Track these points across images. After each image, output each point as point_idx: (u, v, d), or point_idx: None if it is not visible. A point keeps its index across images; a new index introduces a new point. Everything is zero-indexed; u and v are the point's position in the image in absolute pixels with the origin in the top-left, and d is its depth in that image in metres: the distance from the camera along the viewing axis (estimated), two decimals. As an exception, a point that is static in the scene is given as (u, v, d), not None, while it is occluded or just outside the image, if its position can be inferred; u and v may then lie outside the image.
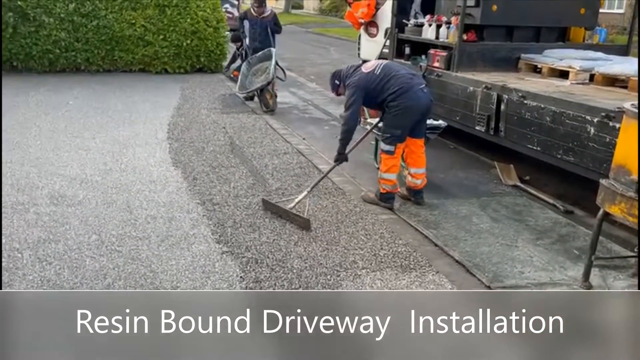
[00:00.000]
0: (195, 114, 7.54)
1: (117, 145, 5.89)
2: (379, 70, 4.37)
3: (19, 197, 4.34)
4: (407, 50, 6.91)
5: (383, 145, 4.48)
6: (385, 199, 4.51)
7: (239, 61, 9.60)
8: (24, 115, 7.06)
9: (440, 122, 5.21)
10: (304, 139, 6.63)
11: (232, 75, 9.86)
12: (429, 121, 5.10)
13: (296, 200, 4.28)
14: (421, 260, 3.63)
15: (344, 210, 4.37)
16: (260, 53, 8.09)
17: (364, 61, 5.68)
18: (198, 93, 9.06)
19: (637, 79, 4.87)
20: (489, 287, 3.35)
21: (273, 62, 7.73)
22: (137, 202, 4.37)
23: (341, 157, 4.51)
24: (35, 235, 3.71)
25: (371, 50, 7.75)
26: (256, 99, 8.27)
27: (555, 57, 5.89)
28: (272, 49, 8.00)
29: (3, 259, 3.36)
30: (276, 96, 8.08)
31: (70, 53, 10.26)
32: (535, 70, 6.13)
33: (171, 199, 4.46)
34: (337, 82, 4.61)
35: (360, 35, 8.39)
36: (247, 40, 8.64)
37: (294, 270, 3.41)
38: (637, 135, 2.87)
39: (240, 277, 3.31)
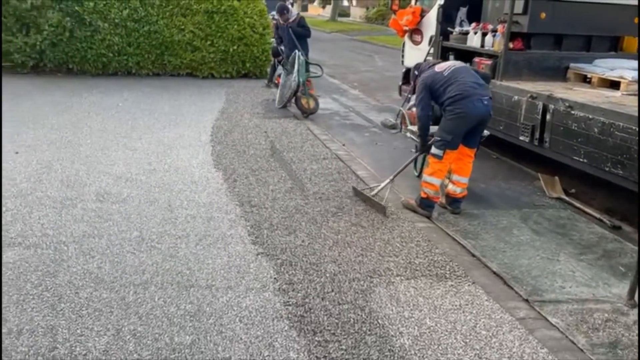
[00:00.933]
0: (238, 118, 7.67)
1: (161, 146, 6.06)
2: (447, 72, 4.40)
3: (68, 193, 4.52)
4: (451, 58, 6.82)
5: (433, 149, 4.45)
6: (425, 206, 4.47)
7: (280, 68, 9.70)
8: (77, 115, 7.36)
9: (484, 131, 5.10)
10: (343, 145, 6.64)
11: (276, 82, 10.00)
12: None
13: (378, 187, 4.65)
14: (457, 270, 3.57)
15: (381, 217, 4.34)
16: (290, 58, 8.16)
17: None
18: (242, 98, 9.22)
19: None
20: (526, 301, 3.26)
21: (296, 68, 7.82)
22: (178, 201, 4.48)
23: (424, 148, 4.69)
24: (80, 229, 3.86)
25: (415, 57, 7.68)
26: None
27: (606, 67, 5.70)
28: (297, 51, 7.99)
29: (50, 251, 3.51)
30: (315, 98, 8.14)
31: (123, 57, 10.65)
32: (585, 80, 5.94)
33: (211, 200, 4.55)
34: (416, 72, 4.79)
35: (404, 43, 8.35)
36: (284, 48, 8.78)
37: (327, 275, 3.42)
38: (637, 138, 2.75)
39: (274, 278, 3.34)
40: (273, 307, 3.03)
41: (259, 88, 10.23)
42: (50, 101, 8.16)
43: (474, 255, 3.84)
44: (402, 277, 3.44)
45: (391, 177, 4.68)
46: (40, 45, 10.14)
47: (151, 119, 7.38)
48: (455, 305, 3.14)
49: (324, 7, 45.80)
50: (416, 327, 2.90)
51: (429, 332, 2.86)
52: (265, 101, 8.97)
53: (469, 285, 3.38)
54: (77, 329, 2.73)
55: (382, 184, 4.68)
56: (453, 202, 4.60)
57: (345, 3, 46.27)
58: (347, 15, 42.72)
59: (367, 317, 2.99)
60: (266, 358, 2.61)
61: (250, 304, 3.05)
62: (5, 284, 3.09)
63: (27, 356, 2.51)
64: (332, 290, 3.24)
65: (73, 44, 10.32)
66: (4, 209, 4.14)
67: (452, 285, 3.37)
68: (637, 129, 3.99)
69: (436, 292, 3.27)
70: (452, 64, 4.62)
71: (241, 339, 2.74)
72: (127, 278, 3.24)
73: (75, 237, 3.73)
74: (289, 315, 2.96)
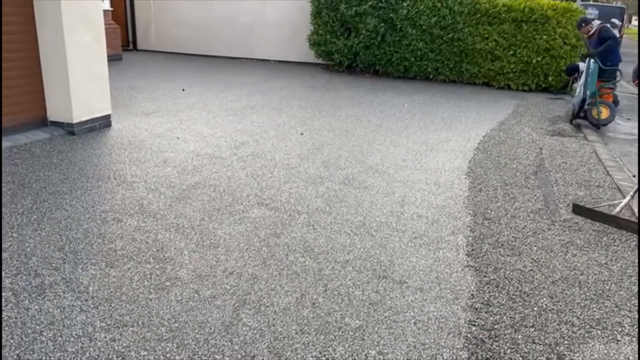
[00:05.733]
0: (516, 130, 7.18)
1: (423, 146, 6.15)
2: None
3: (322, 173, 5.03)
4: None
5: None
6: None
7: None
8: (363, 110, 8.05)
9: None
10: (634, 175, 5.54)
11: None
12: None
13: (622, 204, 4.11)
14: None
15: (637, 254, 3.51)
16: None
17: None
18: (531, 111, 8.58)
19: None
20: None
21: (582, 79, 7.20)
22: (413, 198, 4.50)
23: None
24: (316, 204, 4.25)
25: None
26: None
27: None
28: (589, 59, 7.27)
29: (285, 216, 3.98)
30: (609, 107, 7.39)
31: (423, 62, 11.12)
32: None
33: (445, 204, 4.42)
34: None
35: None
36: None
37: (536, 308, 2.96)
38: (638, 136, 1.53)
39: (472, 294, 3.07)
40: (456, 322, 2.80)
41: (554, 103, 9.35)
42: (349, 96, 9.13)
43: None
44: (634, 340, 2.73)
45: (631, 194, 4.12)
46: (356, 48, 11.40)
47: (427, 121, 7.53)
48: (699, 397, 2.34)
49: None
50: (622, 402, 2.28)
51: (638, 414, 2.21)
52: (556, 117, 8.14)
53: None
54: (272, 284, 3.05)
55: (624, 200, 4.10)
56: None
57: None
58: None
59: (561, 367, 2.49)
60: (422, 368, 2.44)
61: (434, 311, 2.88)
62: (241, 234, 3.65)
63: (227, 292, 2.93)
64: (532, 326, 2.79)
65: (382, 48, 11.27)
66: (269, 174, 4.88)
67: None
68: (637, 128, 2.48)
69: (676, 372, 2.49)
70: None
71: (406, 340, 2.62)
72: (332, 254, 3.44)
73: (309, 209, 4.14)
74: (469, 336, 2.69)
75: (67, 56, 5.49)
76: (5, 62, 5.27)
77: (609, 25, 13.07)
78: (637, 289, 3.22)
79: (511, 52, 10.47)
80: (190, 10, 13.96)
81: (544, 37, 10.23)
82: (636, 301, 3.09)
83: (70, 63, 5.54)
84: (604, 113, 7.33)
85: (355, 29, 11.41)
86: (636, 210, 4.07)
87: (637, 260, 3.58)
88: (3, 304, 2.70)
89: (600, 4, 15.34)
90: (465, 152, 6.01)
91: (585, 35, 7.83)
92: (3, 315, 2.61)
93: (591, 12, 13.55)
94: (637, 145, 7.11)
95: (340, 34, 11.64)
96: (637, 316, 2.93)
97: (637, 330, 2.81)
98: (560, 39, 10.22)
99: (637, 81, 4.22)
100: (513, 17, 10.34)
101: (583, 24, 7.83)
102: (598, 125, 7.28)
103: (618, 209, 4.04)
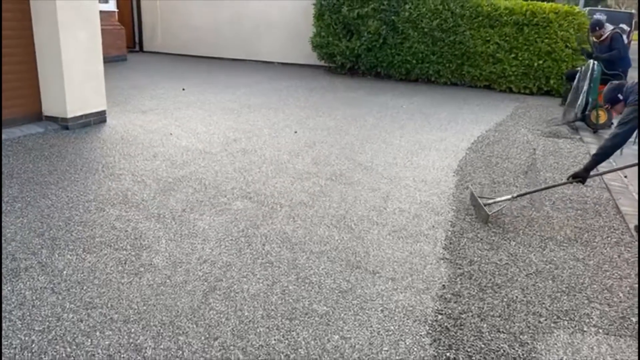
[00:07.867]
0: (512, 132, 7.17)
1: (416, 146, 6.16)
2: None
3: (311, 169, 5.06)
4: None
5: None
6: None
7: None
8: (361, 111, 8.08)
9: None
10: (625, 176, 5.52)
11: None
12: None
13: (497, 199, 4.26)
14: (693, 347, 2.62)
15: (616, 250, 3.50)
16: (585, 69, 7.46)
17: None
18: (530, 114, 8.55)
19: None
20: None
21: (586, 86, 7.12)
22: (397, 194, 4.52)
23: (583, 176, 4.18)
24: (299, 198, 4.29)
25: None
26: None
27: None
28: (591, 62, 7.26)
29: (267, 209, 4.02)
30: (606, 111, 7.34)
31: (425, 64, 11.12)
32: None
33: (429, 200, 4.44)
34: (619, 96, 4.16)
35: None
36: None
37: (505, 299, 2.96)
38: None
39: (443, 285, 3.08)
40: (423, 310, 2.81)
41: (555, 107, 9.30)
42: (348, 97, 9.16)
43: None
44: (601, 330, 2.73)
45: (514, 195, 4.23)
46: (357, 50, 11.45)
47: (423, 121, 7.55)
48: (658, 386, 2.33)
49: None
50: (580, 389, 2.28)
51: (594, 401, 2.22)
52: (555, 119, 8.11)
53: (698, 370, 2.45)
54: (246, 272, 3.09)
55: (501, 198, 4.24)
56: None
57: None
58: None
59: (523, 354, 2.49)
60: (384, 352, 2.45)
61: (402, 299, 2.90)
62: (221, 225, 3.70)
63: (199, 279, 2.97)
64: (499, 316, 2.80)
65: (384, 50, 11.30)
66: (257, 169, 4.93)
67: (670, 361, 2.50)
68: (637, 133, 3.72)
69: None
70: None
71: (371, 326, 2.64)
72: (309, 245, 3.47)
73: (291, 203, 4.17)
74: (434, 323, 2.70)
75: (62, 52, 5.60)
76: (2, 58, 5.38)
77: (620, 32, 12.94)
78: (610, 283, 3.22)
79: (513, 55, 10.45)
80: (196, 12, 14.11)
81: (546, 40, 10.21)
82: (609, 294, 3.09)
83: (65, 59, 5.65)
84: (602, 117, 7.32)
85: (357, 31, 11.45)
86: (500, 208, 4.13)
87: (615, 256, 3.57)
88: (-22, 285, 2.77)
89: (608, 9, 15.26)
90: (458, 152, 6.02)
91: (596, 40, 7.73)
92: (-24, 296, 2.68)
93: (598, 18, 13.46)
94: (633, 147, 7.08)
95: (343, 36, 11.68)
96: (627, 312, 2.93)
97: (637, 324, 2.81)
98: (562, 42, 10.19)
99: (608, 105, 4.31)
100: (515, 20, 10.32)
101: (597, 28, 7.68)
102: (595, 129, 7.26)
103: (491, 201, 4.21)
